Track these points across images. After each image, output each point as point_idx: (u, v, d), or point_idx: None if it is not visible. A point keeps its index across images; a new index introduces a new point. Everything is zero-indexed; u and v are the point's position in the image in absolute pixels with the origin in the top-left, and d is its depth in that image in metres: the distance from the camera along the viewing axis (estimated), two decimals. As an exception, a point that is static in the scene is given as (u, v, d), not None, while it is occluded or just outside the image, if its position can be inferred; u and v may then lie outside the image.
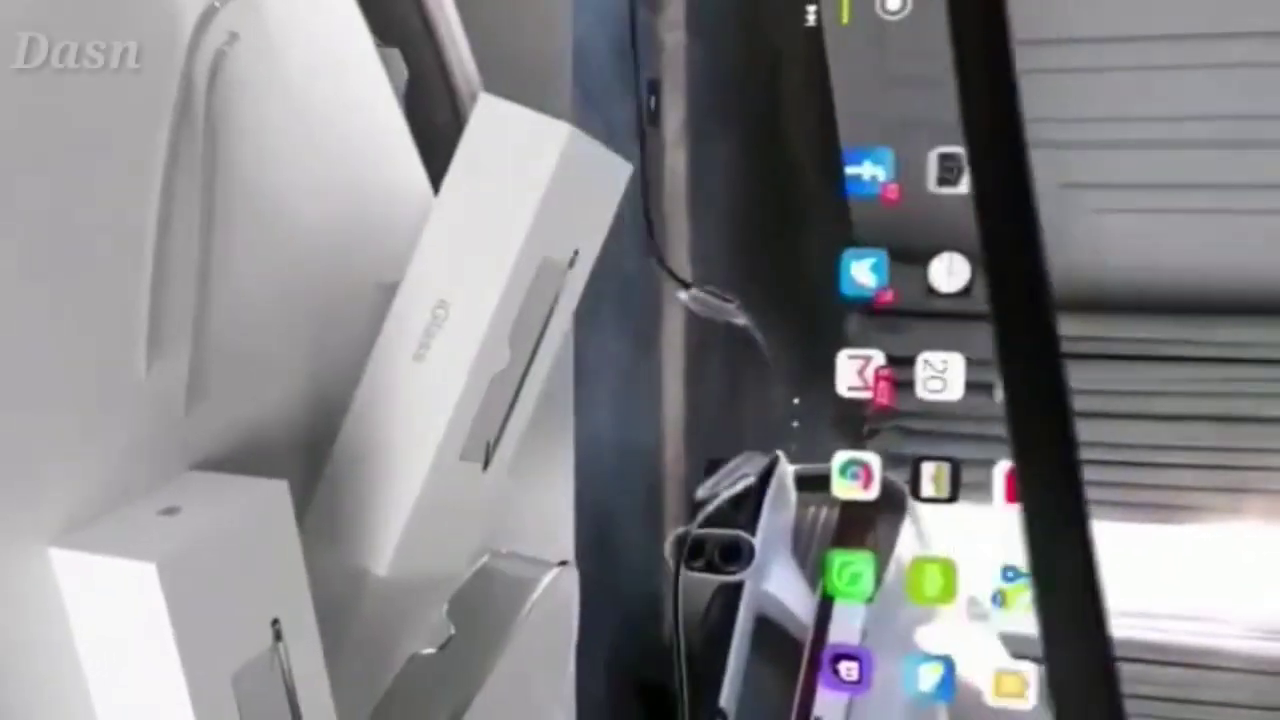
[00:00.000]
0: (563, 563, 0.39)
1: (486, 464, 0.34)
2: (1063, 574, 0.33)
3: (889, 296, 0.66)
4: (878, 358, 0.65)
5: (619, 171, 0.35)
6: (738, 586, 0.65)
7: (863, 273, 0.63)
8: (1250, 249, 1.16)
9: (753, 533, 0.64)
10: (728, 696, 0.63)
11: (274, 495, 0.29)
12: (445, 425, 0.33)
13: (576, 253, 0.34)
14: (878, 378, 0.62)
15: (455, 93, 0.35)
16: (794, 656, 0.63)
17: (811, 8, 0.29)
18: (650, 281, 0.81)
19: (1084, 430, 0.32)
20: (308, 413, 0.33)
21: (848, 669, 0.60)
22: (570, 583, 0.39)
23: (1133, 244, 1.17)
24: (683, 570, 0.64)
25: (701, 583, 0.65)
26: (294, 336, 0.33)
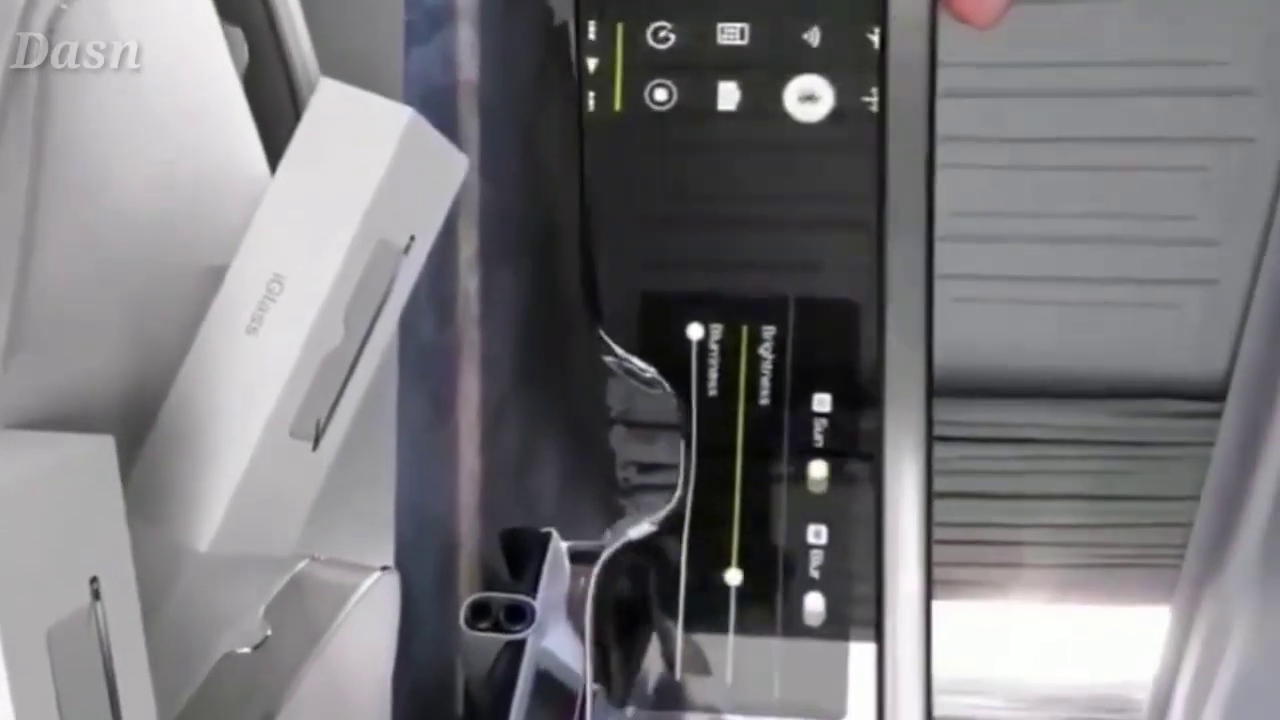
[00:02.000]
0: (384, 567, 0.38)
1: (316, 443, 0.34)
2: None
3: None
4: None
5: (457, 163, 0.36)
6: (521, 644, 0.71)
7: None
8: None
9: (534, 596, 0.71)
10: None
11: (98, 449, 0.28)
12: (276, 398, 0.32)
13: (413, 238, 0.35)
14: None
15: (294, 81, 0.35)
16: (569, 705, 0.69)
17: (591, 94, 0.31)
18: (447, 351, 0.83)
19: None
20: (133, 386, 0.32)
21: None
22: (392, 588, 0.38)
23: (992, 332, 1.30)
24: (471, 631, 0.69)
25: (490, 643, 0.70)
26: (119, 307, 0.32)
